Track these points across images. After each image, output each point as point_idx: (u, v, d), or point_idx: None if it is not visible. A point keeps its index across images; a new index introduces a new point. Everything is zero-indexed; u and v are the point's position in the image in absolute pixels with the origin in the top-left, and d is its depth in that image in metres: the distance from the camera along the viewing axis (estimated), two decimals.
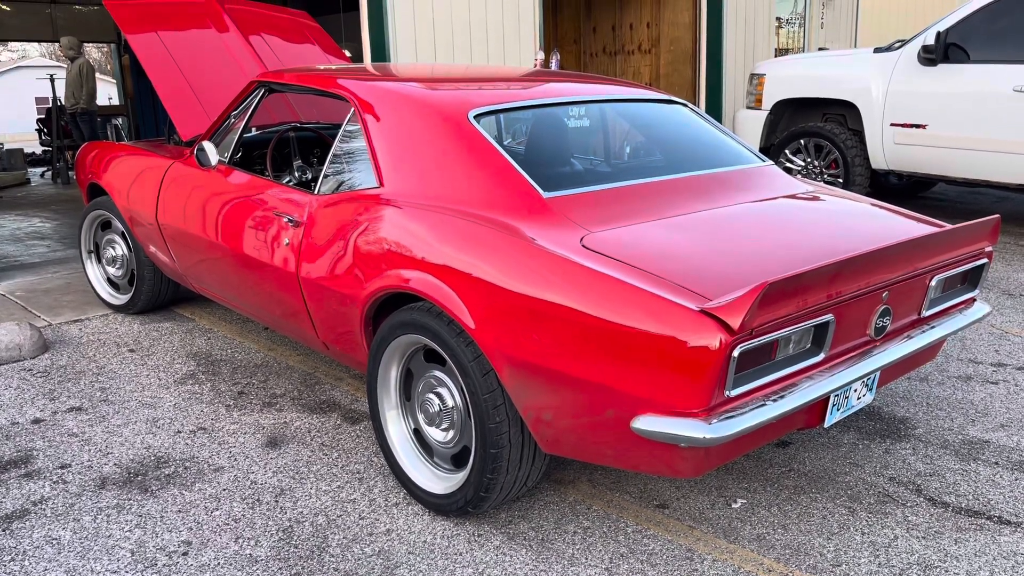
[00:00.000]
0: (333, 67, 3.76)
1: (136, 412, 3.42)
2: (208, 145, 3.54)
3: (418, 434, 2.76)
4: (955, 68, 6.12)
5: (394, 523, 2.61)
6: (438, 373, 2.61)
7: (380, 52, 7.04)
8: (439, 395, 2.60)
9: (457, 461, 2.65)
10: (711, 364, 1.94)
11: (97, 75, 10.56)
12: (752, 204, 2.84)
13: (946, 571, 2.35)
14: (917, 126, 6.34)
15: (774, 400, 2.12)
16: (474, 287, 2.35)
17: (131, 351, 4.12)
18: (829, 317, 2.19)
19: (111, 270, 4.69)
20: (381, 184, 2.83)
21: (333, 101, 4.47)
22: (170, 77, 4.56)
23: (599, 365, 2.10)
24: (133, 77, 13.44)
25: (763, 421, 2.06)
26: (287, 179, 3.95)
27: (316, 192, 3.06)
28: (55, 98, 10.95)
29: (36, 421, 3.35)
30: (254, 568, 2.39)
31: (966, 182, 6.34)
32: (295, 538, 2.54)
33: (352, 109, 3.04)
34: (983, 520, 2.59)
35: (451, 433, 2.61)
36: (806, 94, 7.16)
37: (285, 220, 3.11)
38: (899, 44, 6.59)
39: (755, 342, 2.00)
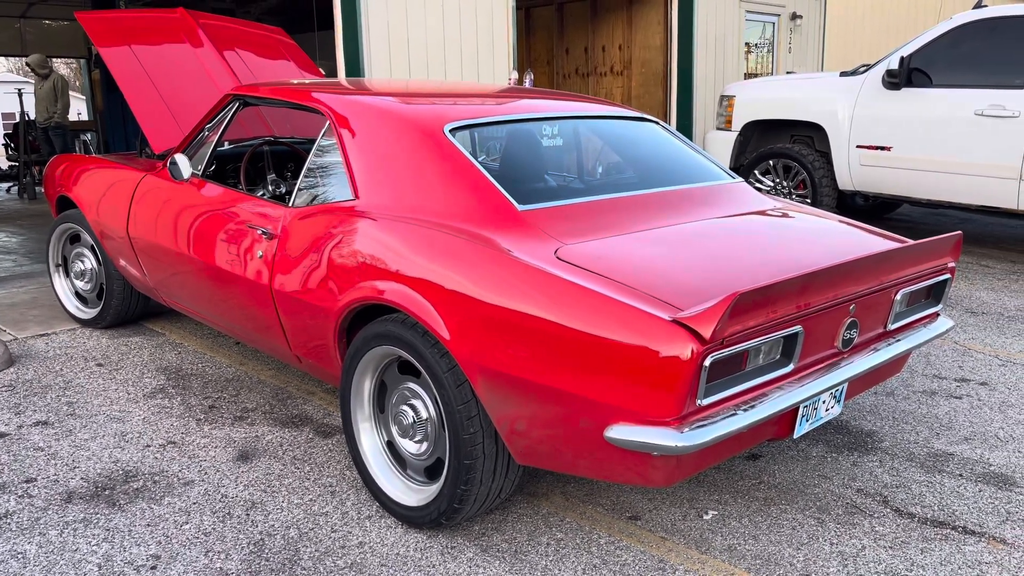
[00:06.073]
0: (308, 81, 3.77)
1: (104, 426, 3.37)
2: (181, 158, 3.52)
3: (391, 446, 2.75)
4: (918, 92, 6.27)
5: (367, 536, 2.60)
6: (412, 385, 2.61)
7: (354, 70, 7.07)
8: (413, 407, 2.60)
9: (430, 473, 2.64)
10: (683, 373, 1.96)
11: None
12: (723, 219, 2.89)
13: None
14: (882, 148, 6.48)
15: (745, 409, 2.15)
16: (449, 298, 2.36)
17: (99, 365, 4.07)
18: (798, 328, 2.23)
19: (80, 284, 4.63)
20: (356, 196, 2.84)
21: (308, 116, 4.49)
22: (143, 90, 4.54)
23: (573, 375, 2.12)
24: (103, 92, 13.32)
25: (734, 430, 2.09)
26: (260, 192, 3.94)
27: (290, 204, 3.06)
28: (23, 113, 10.82)
29: (1, 435, 3.29)
30: None
31: (929, 203, 6.48)
32: (266, 551, 2.51)
33: (327, 122, 3.05)
34: (948, 530, 2.64)
35: (425, 445, 2.61)
36: (775, 116, 7.29)
37: (259, 232, 3.10)
38: (864, 68, 6.75)
39: (726, 352, 2.03)
